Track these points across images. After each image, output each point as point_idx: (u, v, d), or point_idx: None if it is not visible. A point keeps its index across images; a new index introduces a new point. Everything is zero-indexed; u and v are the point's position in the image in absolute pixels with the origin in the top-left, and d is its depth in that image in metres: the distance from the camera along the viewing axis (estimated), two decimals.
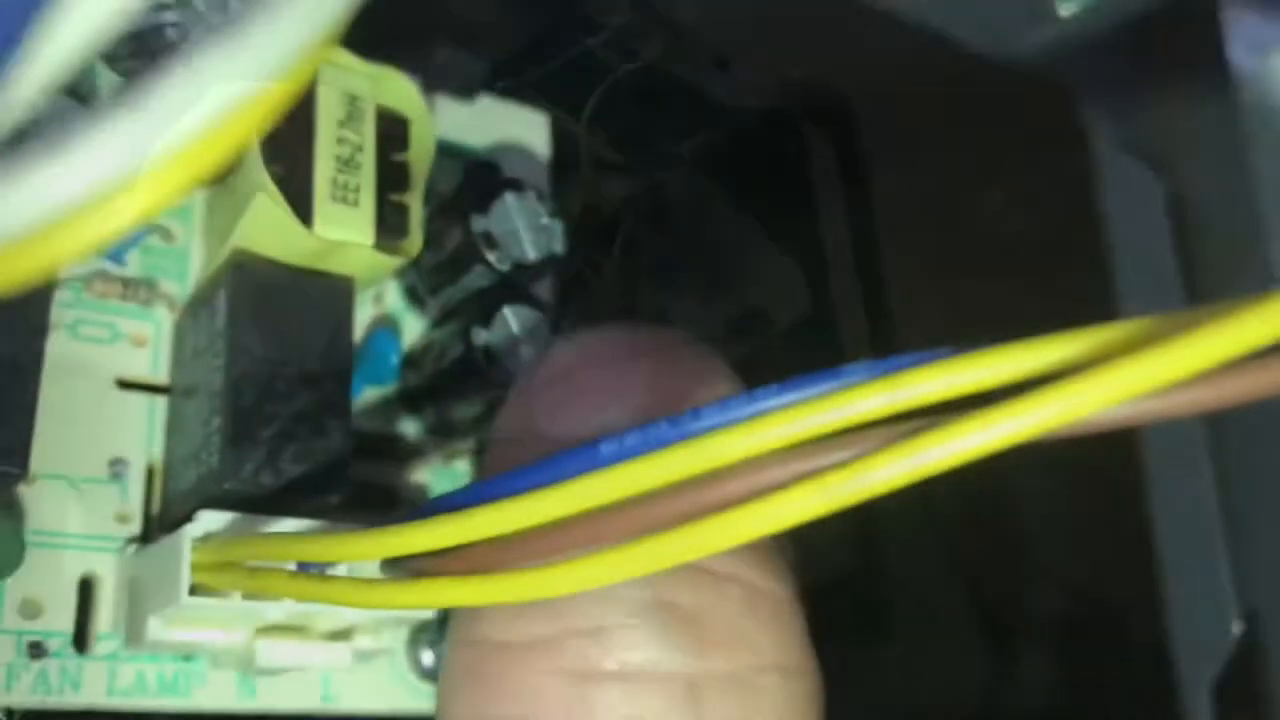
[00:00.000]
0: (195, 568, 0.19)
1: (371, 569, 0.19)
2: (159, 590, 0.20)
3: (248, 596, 0.20)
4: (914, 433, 0.13)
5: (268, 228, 0.22)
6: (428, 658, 0.24)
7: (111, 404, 0.23)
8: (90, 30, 0.09)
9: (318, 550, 0.18)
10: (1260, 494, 0.34)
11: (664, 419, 0.15)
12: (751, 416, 0.14)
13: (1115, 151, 0.38)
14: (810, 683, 0.20)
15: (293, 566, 0.19)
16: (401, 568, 0.17)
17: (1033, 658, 0.38)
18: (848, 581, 0.35)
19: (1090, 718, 0.36)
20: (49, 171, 0.09)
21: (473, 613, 0.21)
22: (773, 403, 0.14)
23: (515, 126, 0.29)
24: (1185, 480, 0.35)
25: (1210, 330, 0.12)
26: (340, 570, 0.19)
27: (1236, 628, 0.35)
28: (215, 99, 0.10)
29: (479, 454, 0.26)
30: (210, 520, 0.20)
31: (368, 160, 0.23)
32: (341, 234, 0.22)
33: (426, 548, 0.16)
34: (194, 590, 0.19)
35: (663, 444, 0.15)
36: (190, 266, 0.24)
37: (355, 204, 0.23)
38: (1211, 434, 0.35)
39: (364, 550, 0.17)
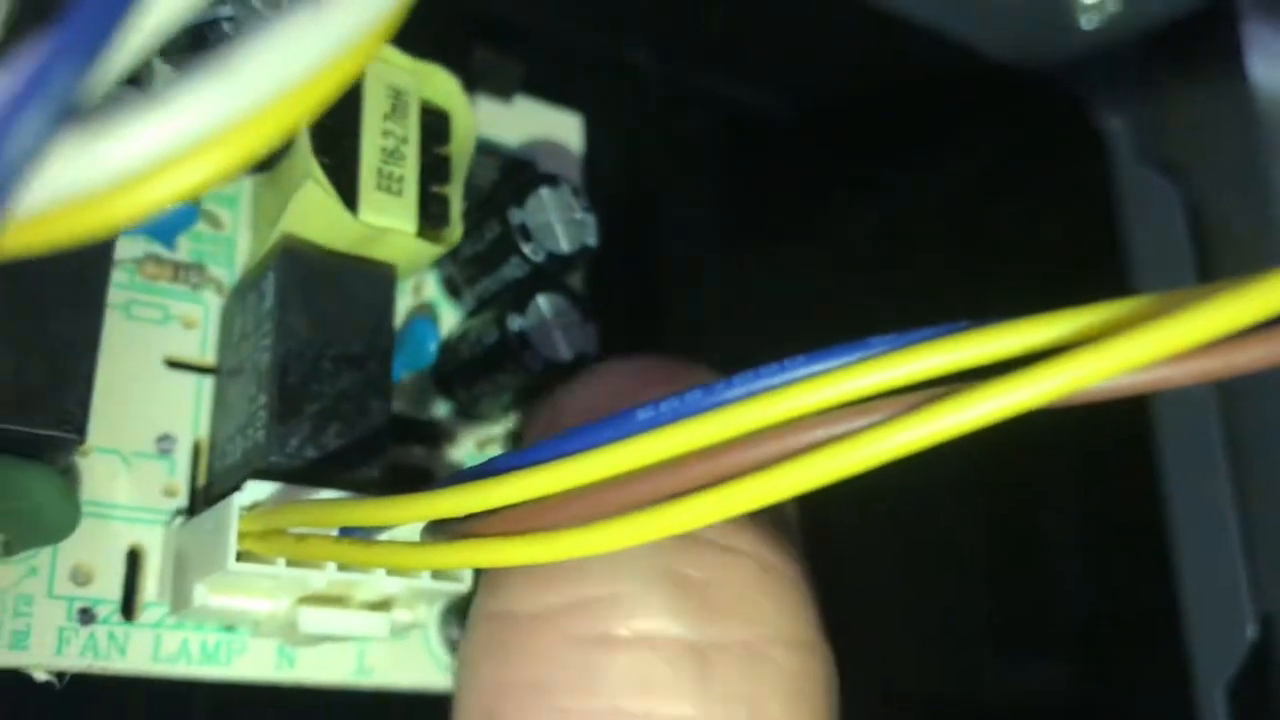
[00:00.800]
0: (242, 535, 0.20)
1: (412, 539, 0.20)
2: (206, 557, 0.21)
3: (292, 563, 0.21)
4: (936, 398, 0.14)
5: (315, 214, 0.23)
6: (457, 635, 0.25)
7: (161, 382, 0.24)
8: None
9: (363, 515, 0.18)
10: (1277, 502, 0.35)
11: (698, 387, 0.16)
12: (782, 384, 0.15)
13: (1134, 161, 0.39)
14: (819, 658, 0.21)
15: (335, 535, 0.20)
16: (444, 531, 0.18)
17: (1050, 656, 0.38)
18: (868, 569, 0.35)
19: (1108, 716, 0.37)
20: (144, 120, 0.10)
21: (492, 587, 0.21)
22: (801, 371, 0.15)
23: (550, 125, 0.30)
24: (1203, 487, 0.35)
25: (1220, 301, 0.13)
26: (383, 537, 0.20)
27: (1251, 631, 0.35)
28: (295, 64, 0.11)
29: (511, 439, 0.27)
30: (257, 490, 0.21)
31: (411, 152, 0.24)
32: (386, 221, 0.23)
33: (467, 511, 0.17)
34: (240, 557, 0.20)
35: (697, 411, 0.15)
36: (237, 252, 0.25)
37: (399, 194, 0.24)
38: (1229, 442, 0.35)
39: (408, 513, 0.18)
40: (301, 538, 0.20)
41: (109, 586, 0.23)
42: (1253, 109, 0.36)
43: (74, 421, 0.20)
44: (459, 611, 0.25)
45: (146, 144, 0.10)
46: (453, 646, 0.25)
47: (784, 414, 0.15)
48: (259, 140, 0.11)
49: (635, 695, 0.19)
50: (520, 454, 0.17)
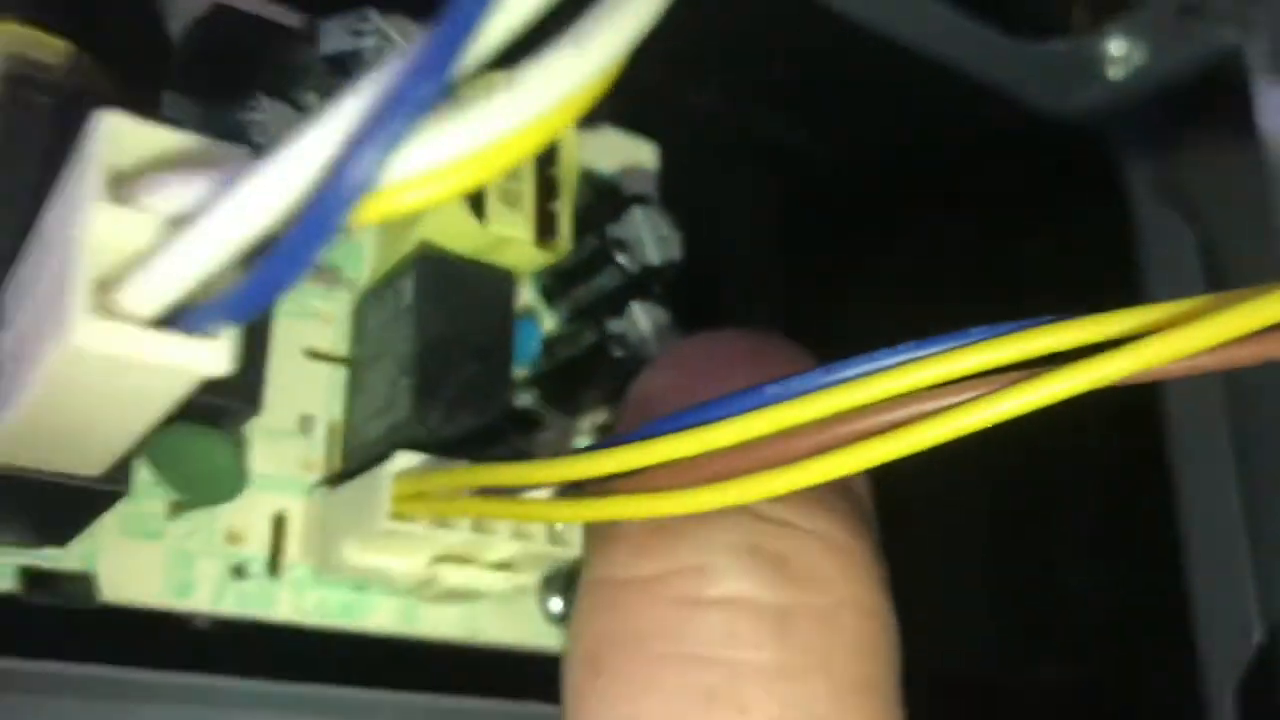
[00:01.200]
0: (393, 498, 0.23)
1: None
2: (357, 519, 0.24)
3: (436, 524, 0.23)
4: (1033, 376, 0.17)
5: (449, 222, 0.26)
6: (555, 604, 0.28)
7: (302, 370, 0.27)
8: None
9: (508, 476, 0.21)
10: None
11: (820, 367, 0.19)
12: (894, 365, 0.18)
13: (1153, 202, 0.42)
14: (882, 623, 0.24)
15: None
16: (585, 492, 0.21)
17: (1065, 653, 0.41)
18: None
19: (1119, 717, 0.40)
20: (466, 123, 0.13)
21: (599, 555, 0.24)
22: (912, 354, 0.18)
23: (631, 152, 0.33)
24: (1214, 499, 0.38)
25: (1251, 303, 0.16)
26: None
27: (1259, 636, 0.38)
28: (562, 88, 0.14)
29: (599, 431, 0.30)
30: (405, 459, 0.24)
31: (528, 172, 0.27)
32: (509, 230, 0.27)
33: (610, 471, 0.20)
34: (392, 517, 0.23)
35: (819, 387, 0.18)
36: (364, 255, 0.28)
37: (519, 207, 0.27)
38: (1240, 455, 0.38)
39: (554, 474, 0.21)
40: (450, 498, 0.23)
41: (257, 546, 0.26)
42: (1262, 157, 0.40)
43: (253, 395, 0.23)
44: (556, 582, 0.28)
45: (455, 145, 0.13)
46: (549, 614, 0.28)
47: (896, 389, 0.18)
48: (526, 149, 0.14)
49: (722, 645, 0.22)
50: (660, 422, 0.20)
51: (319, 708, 0.25)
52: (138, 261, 0.14)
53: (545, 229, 0.28)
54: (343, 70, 0.27)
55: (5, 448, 0.18)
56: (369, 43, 0.27)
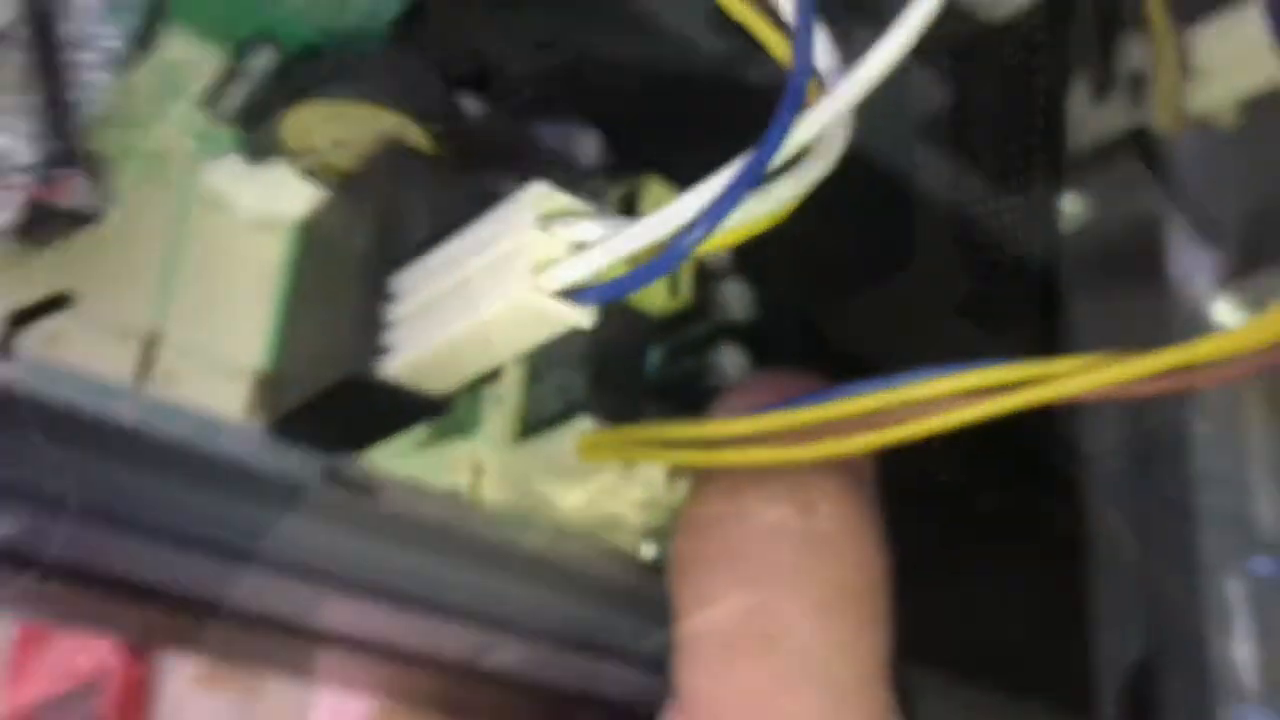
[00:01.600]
0: (578, 446, 0.35)
1: None
2: (550, 460, 0.35)
3: (600, 466, 0.35)
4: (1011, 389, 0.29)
5: None
6: (649, 550, 0.39)
7: None
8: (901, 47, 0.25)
9: (675, 433, 0.33)
10: (1162, 556, 0.50)
11: (906, 372, 0.30)
12: (945, 374, 0.30)
13: (1090, 324, 0.55)
14: (873, 546, 0.34)
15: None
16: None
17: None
18: None
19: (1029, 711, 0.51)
20: (749, 207, 0.25)
21: (693, 499, 0.35)
22: (956, 369, 0.30)
23: None
24: (1117, 543, 0.50)
25: (1166, 354, 0.28)
26: None
27: (1138, 652, 0.50)
28: (790, 195, 0.26)
29: None
30: (585, 420, 0.35)
31: None
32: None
33: (729, 435, 0.32)
34: (580, 458, 0.35)
35: (901, 384, 0.30)
36: None
37: None
38: (1136, 518, 0.50)
39: (694, 432, 0.32)
40: (619, 446, 0.34)
41: (465, 481, 0.37)
42: (1170, 300, 0.53)
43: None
44: (650, 535, 0.40)
45: (740, 219, 0.25)
46: (641, 559, 0.39)
47: (945, 390, 0.30)
48: (769, 225, 0.26)
49: (765, 552, 0.33)
50: (789, 401, 0.32)
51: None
52: (549, 262, 0.26)
53: (673, 283, 0.39)
54: (558, 166, 0.39)
55: (399, 370, 0.29)
56: (569, 147, 0.39)
